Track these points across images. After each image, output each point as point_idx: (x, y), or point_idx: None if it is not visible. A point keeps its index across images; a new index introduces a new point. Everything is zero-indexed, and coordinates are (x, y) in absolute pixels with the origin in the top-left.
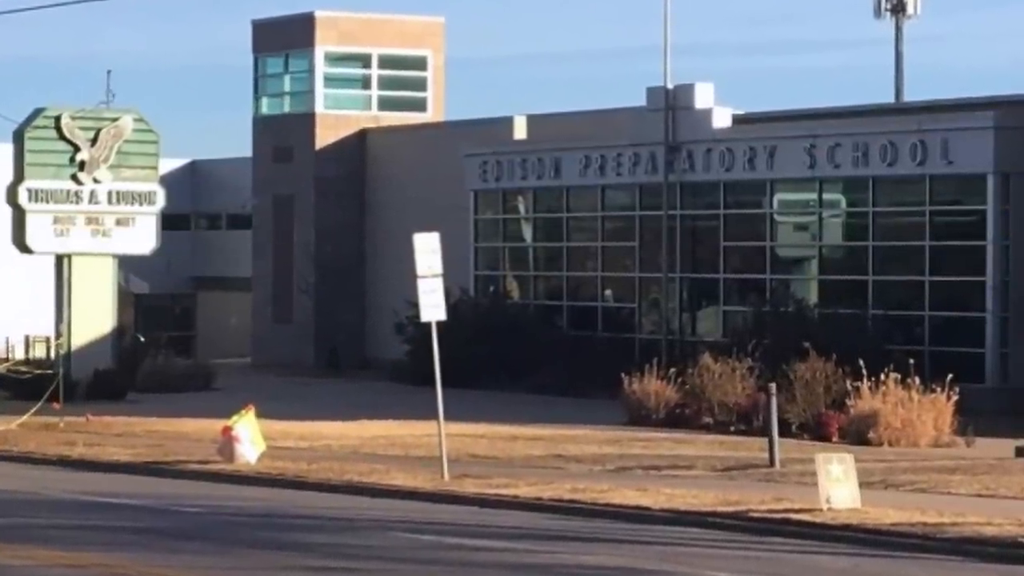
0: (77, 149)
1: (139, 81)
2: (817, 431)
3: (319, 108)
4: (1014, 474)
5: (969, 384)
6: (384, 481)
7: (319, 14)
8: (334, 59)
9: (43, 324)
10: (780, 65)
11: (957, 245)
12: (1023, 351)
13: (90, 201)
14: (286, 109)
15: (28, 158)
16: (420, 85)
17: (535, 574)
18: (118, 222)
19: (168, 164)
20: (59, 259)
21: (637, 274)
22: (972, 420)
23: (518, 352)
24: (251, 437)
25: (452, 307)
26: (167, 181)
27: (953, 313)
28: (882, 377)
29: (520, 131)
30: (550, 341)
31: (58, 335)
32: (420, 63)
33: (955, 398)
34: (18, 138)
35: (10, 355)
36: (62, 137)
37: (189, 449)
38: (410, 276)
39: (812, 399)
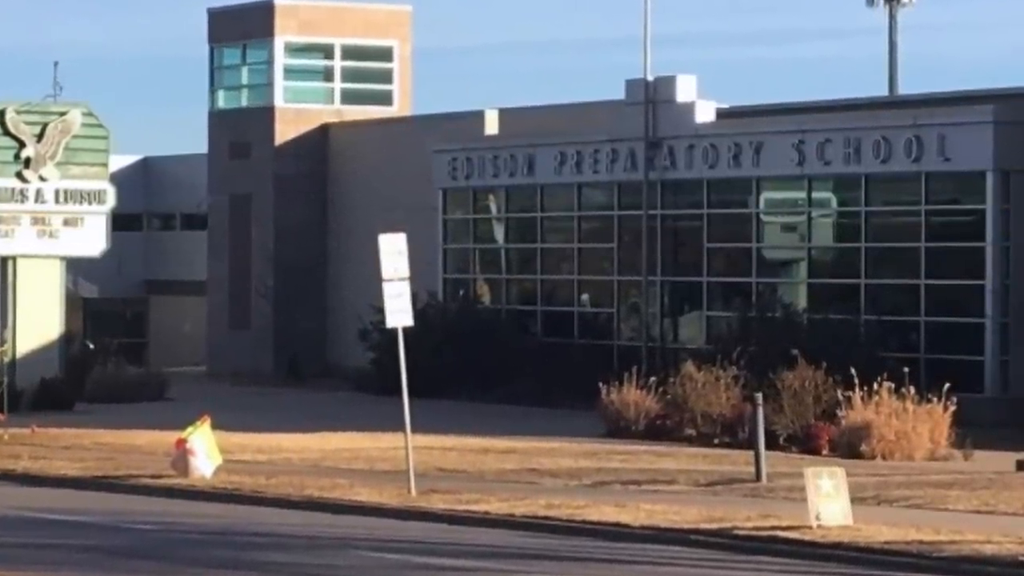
0: (22, 145)
1: (88, 73)
2: (806, 443)
3: (278, 101)
4: (1014, 489)
5: (967, 394)
6: (347, 496)
7: (279, 2)
8: (294, 50)
9: None
10: (767, 56)
11: (955, 246)
12: None
13: (36, 200)
14: (243, 103)
15: None
16: (385, 77)
17: None
18: (66, 222)
19: (119, 161)
20: (3, 261)
21: (615, 277)
22: (970, 432)
23: (489, 360)
24: (206, 450)
25: (419, 312)
26: (118, 179)
27: (950, 318)
28: (875, 386)
29: (491, 126)
30: (523, 348)
31: (2, 342)
32: (385, 54)
33: (952, 408)
34: None
35: None
36: (6, 132)
37: (141, 463)
38: (375, 279)
39: (801, 410)
